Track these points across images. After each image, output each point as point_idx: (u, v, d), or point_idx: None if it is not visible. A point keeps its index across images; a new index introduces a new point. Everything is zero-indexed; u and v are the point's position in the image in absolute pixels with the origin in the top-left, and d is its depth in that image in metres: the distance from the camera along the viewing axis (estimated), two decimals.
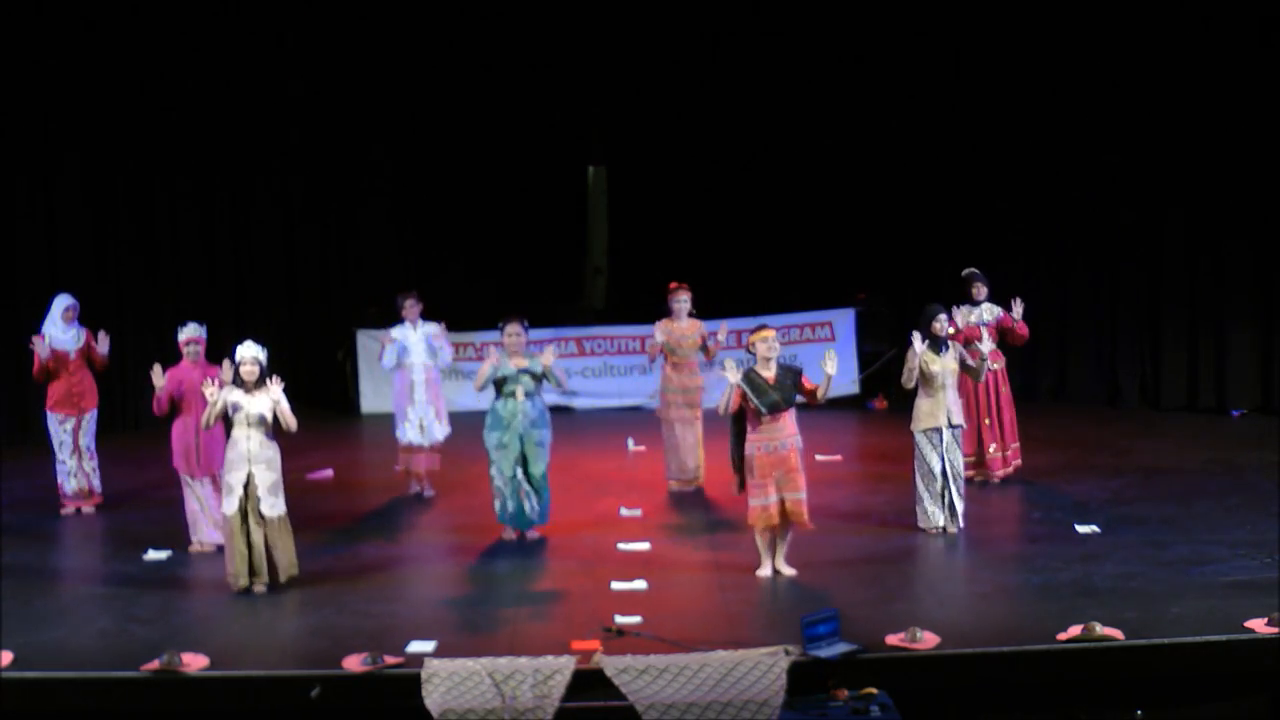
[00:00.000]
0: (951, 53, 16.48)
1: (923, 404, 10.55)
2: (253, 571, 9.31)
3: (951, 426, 10.54)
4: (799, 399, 9.47)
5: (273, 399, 9.35)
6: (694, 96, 17.51)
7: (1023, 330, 12.07)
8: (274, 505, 9.34)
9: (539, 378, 10.50)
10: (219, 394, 9.41)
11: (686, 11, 17.10)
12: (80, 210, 15.36)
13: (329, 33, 16.81)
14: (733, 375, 9.34)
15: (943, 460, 10.48)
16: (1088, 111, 15.70)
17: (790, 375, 9.44)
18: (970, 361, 10.77)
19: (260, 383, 9.37)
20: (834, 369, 9.44)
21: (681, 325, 12.08)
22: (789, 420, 9.39)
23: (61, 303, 11.74)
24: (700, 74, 17.45)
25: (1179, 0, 15.13)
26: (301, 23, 16.65)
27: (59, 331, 11.69)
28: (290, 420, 9.38)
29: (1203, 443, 13.79)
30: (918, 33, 16.61)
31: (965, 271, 12.33)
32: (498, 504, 10.61)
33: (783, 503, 9.34)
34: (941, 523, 10.48)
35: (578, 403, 16.48)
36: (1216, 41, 14.99)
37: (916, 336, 10.56)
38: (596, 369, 16.78)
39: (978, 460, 11.91)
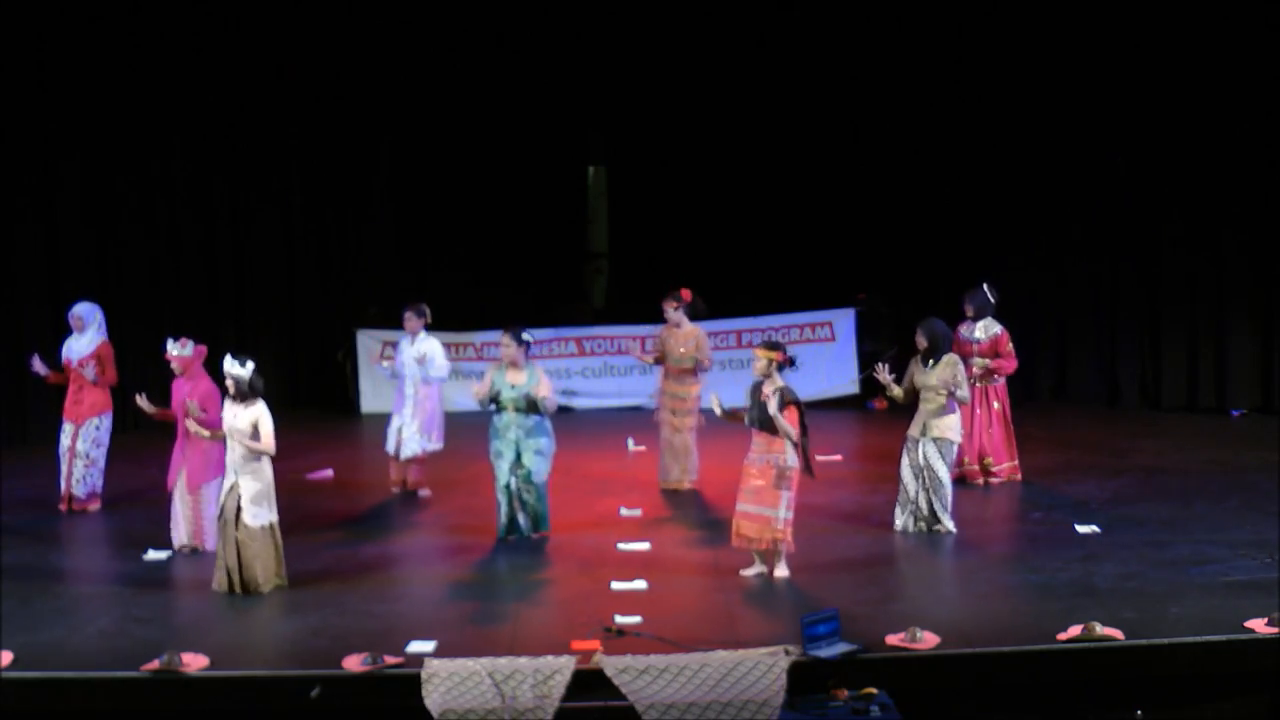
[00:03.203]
0: (952, 53, 16.49)
1: (916, 413, 10.67)
2: (230, 579, 9.30)
3: (933, 438, 10.53)
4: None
5: (253, 417, 9.34)
6: (694, 96, 17.52)
7: (1003, 369, 12.03)
8: (255, 515, 9.27)
9: (530, 401, 10.44)
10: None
11: (686, 12, 17.10)
12: (80, 212, 15.35)
13: (329, 33, 16.81)
14: (716, 408, 9.58)
15: (915, 468, 10.53)
16: (1088, 111, 15.70)
17: (763, 405, 9.39)
18: (944, 383, 10.60)
19: (243, 397, 9.35)
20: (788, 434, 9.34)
21: (678, 333, 12.08)
22: (772, 440, 9.38)
23: (69, 312, 11.85)
24: (700, 74, 17.46)
25: (1179, 2, 15.14)
26: (301, 23, 16.65)
27: (72, 339, 11.78)
28: (259, 446, 9.26)
29: (1203, 443, 13.80)
30: (918, 33, 16.62)
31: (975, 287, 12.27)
32: (498, 512, 10.63)
33: (739, 514, 9.43)
34: (904, 527, 10.54)
35: (578, 403, 16.48)
36: (1216, 41, 15.00)
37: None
38: (596, 369, 16.78)
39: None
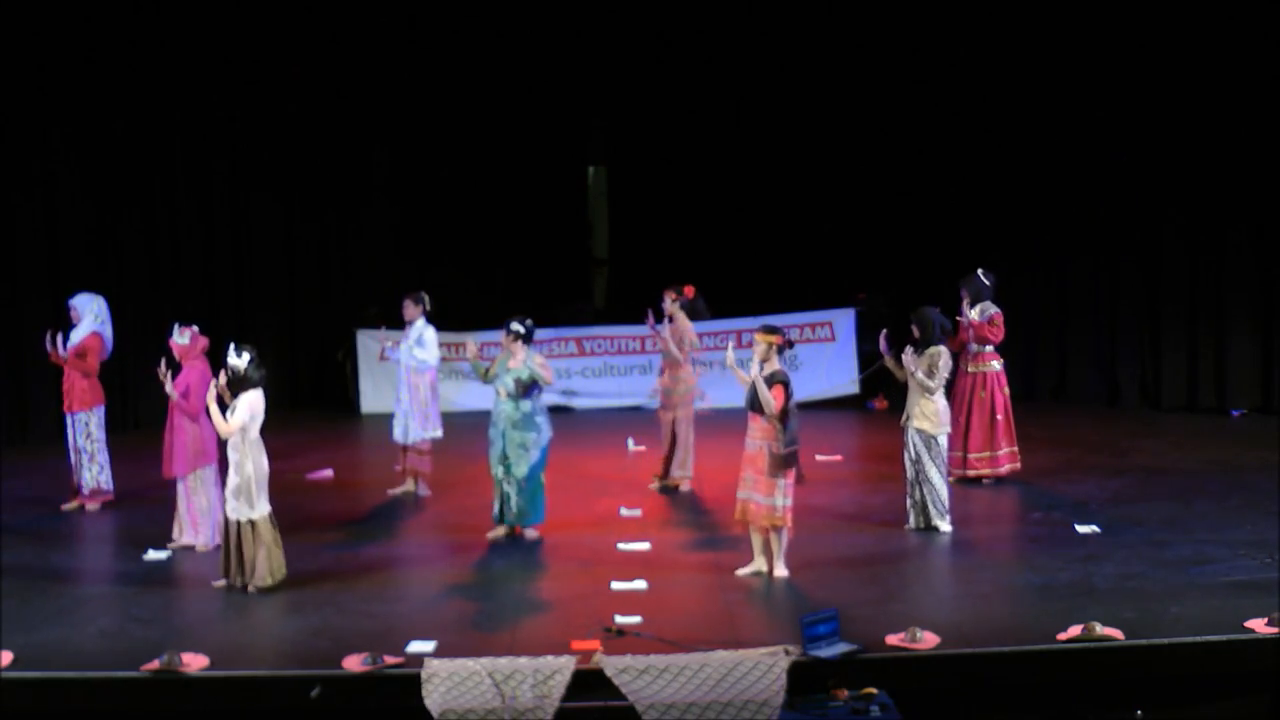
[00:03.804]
0: (952, 53, 16.49)
1: None
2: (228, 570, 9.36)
3: (914, 428, 10.57)
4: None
5: (237, 404, 9.36)
6: (694, 96, 17.53)
7: (990, 334, 12.04)
8: (234, 509, 9.29)
9: (525, 384, 10.48)
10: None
11: (687, 11, 17.11)
12: (80, 210, 15.36)
13: (329, 32, 16.81)
14: (730, 357, 9.65)
15: (910, 457, 10.60)
16: (1088, 111, 15.70)
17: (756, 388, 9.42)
18: (913, 369, 10.60)
19: (234, 384, 9.36)
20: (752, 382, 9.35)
21: (671, 327, 12.13)
22: (763, 423, 9.39)
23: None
24: (700, 74, 17.47)
25: (1180, 2, 15.14)
26: (302, 22, 16.65)
27: (73, 331, 11.83)
28: (222, 426, 9.28)
29: (1203, 443, 13.80)
30: (919, 33, 16.61)
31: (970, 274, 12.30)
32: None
33: (742, 501, 9.44)
34: (911, 521, 10.60)
35: (578, 403, 16.49)
36: (1216, 41, 14.99)
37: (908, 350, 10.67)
38: (596, 369, 16.78)
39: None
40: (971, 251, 15.34)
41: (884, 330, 11.16)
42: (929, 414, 10.59)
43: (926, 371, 10.55)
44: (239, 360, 9.37)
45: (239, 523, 9.28)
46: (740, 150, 17.68)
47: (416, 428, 12.04)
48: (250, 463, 9.32)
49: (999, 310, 12.07)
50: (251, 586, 9.27)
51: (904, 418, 10.69)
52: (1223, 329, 15.50)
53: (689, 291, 12.19)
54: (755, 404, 9.35)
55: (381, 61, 17.11)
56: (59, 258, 15.11)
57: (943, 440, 10.66)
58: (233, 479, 9.31)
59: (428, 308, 12.22)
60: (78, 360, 11.69)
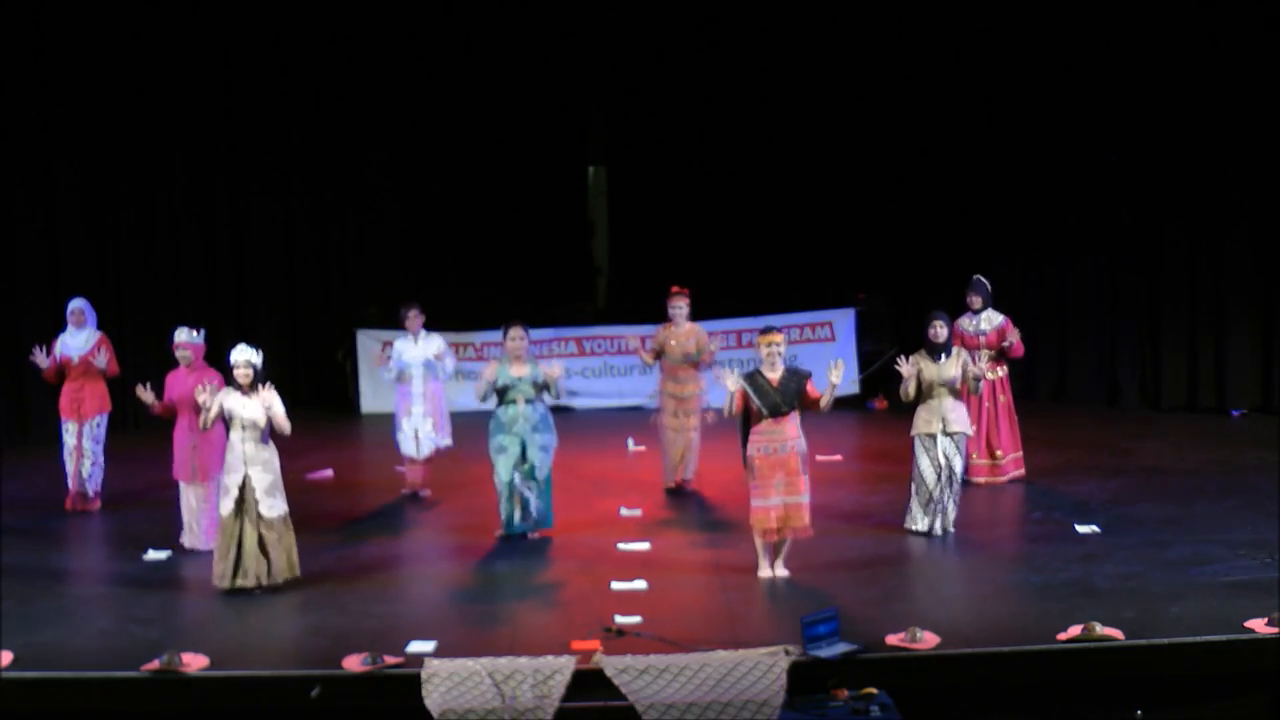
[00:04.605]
0: (953, 53, 16.49)
1: (920, 410, 10.54)
2: (237, 573, 9.28)
3: (949, 434, 10.48)
4: (800, 404, 9.44)
5: (265, 403, 9.35)
6: (694, 96, 17.52)
7: (1017, 352, 12.01)
8: (272, 506, 9.32)
9: (541, 386, 10.49)
10: (215, 397, 9.43)
11: (686, 11, 17.11)
12: (80, 211, 15.37)
13: (329, 33, 16.82)
14: (732, 384, 9.42)
15: (936, 466, 10.47)
16: (1089, 112, 15.70)
17: (795, 380, 9.40)
18: (970, 370, 10.54)
19: (255, 386, 9.37)
20: (839, 379, 9.27)
21: (679, 331, 12.08)
22: (791, 423, 9.37)
23: (68, 306, 11.87)
24: (700, 74, 17.47)
25: (1180, 2, 15.15)
26: (301, 23, 16.66)
27: (69, 336, 11.80)
28: (283, 424, 9.37)
29: (1203, 443, 13.80)
30: (919, 33, 16.61)
31: (973, 279, 12.27)
32: (500, 507, 10.62)
33: (784, 507, 9.35)
34: (924, 527, 10.49)
35: (578, 403, 16.47)
36: (1217, 42, 15.00)
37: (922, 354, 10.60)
38: (596, 369, 16.78)
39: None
40: (972, 251, 15.37)
41: (902, 386, 10.79)
42: (964, 418, 10.53)
43: (977, 370, 10.55)
44: (259, 358, 9.42)
45: (280, 518, 9.32)
46: (741, 149, 17.66)
47: (431, 440, 12.02)
48: (276, 459, 9.42)
49: (1006, 317, 12.03)
50: (280, 578, 9.28)
51: (939, 426, 10.42)
52: (1223, 329, 15.50)
53: (686, 293, 12.17)
54: (790, 406, 9.31)
55: (381, 61, 17.10)
56: (59, 259, 15.12)
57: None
58: (265, 478, 9.33)
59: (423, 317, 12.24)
60: (109, 360, 11.72)
